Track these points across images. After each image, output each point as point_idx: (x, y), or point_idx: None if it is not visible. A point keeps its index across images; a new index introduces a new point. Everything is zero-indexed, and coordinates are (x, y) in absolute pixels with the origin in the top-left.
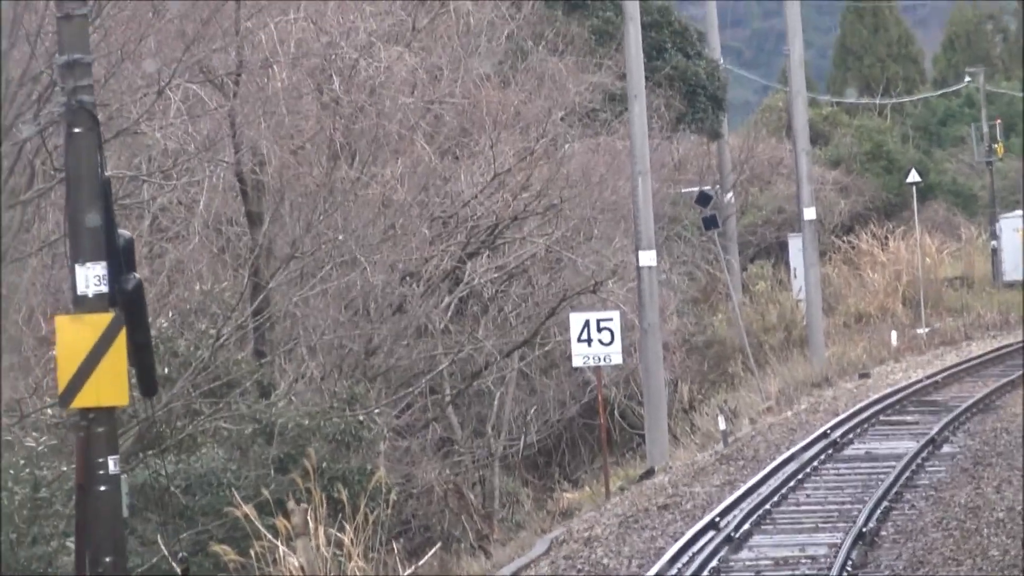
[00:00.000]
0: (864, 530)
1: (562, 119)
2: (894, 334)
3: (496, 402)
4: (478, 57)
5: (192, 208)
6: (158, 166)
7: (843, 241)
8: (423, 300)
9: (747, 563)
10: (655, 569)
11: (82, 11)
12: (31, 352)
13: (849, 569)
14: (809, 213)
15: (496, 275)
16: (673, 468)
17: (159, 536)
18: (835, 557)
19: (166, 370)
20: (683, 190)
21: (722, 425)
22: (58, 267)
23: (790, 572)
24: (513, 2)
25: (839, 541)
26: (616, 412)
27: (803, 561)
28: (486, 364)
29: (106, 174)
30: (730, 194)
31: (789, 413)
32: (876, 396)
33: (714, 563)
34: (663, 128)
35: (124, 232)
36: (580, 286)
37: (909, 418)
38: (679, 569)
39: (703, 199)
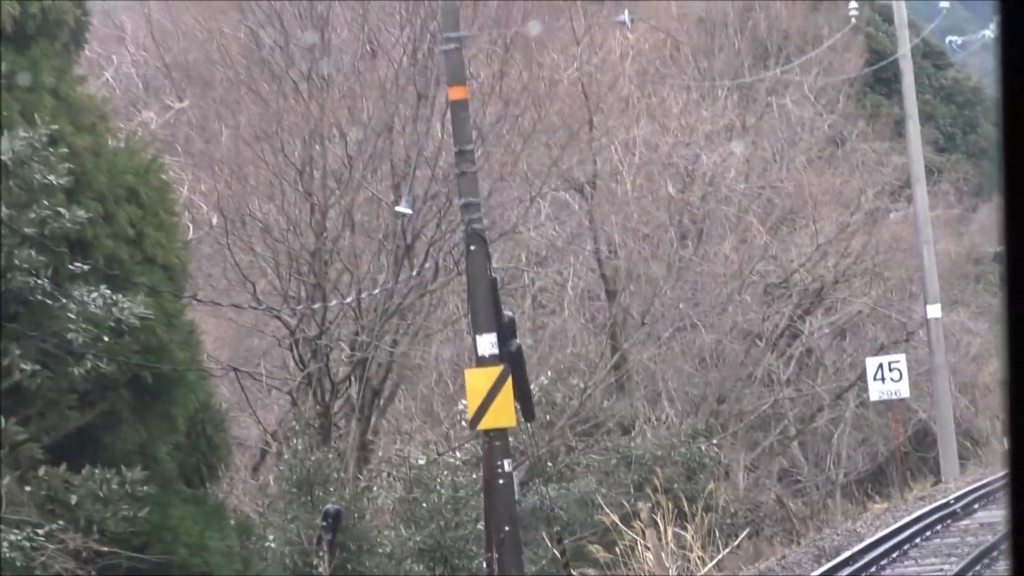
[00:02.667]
0: None
1: (875, 195)
2: None
3: (835, 437)
4: (800, 147)
5: (563, 288)
6: (534, 258)
7: None
8: (763, 354)
9: (961, 525)
10: (890, 529)
11: (472, 170)
12: (440, 408)
13: None
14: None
15: (828, 330)
16: (958, 479)
17: (548, 542)
18: None
19: (547, 416)
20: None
21: (1006, 444)
22: (458, 340)
23: (988, 529)
24: (828, 102)
25: None
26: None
27: (1001, 524)
28: (819, 408)
29: (492, 275)
30: None
31: None
32: None
33: (938, 527)
34: (964, 197)
35: (507, 312)
36: (896, 336)
37: None
38: (909, 528)
39: (997, 257)
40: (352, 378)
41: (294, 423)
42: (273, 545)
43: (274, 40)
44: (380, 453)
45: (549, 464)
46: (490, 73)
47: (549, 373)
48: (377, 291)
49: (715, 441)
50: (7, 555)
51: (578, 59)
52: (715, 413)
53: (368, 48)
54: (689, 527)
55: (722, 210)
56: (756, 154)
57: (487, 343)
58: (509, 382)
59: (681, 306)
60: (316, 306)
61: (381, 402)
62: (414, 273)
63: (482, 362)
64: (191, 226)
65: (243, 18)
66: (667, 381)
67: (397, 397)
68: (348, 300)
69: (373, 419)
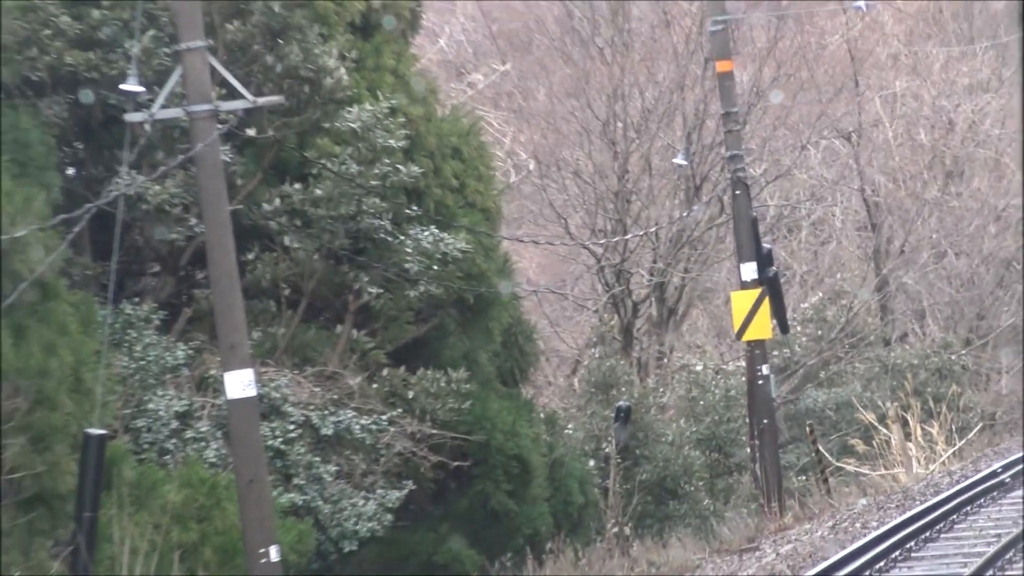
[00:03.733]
0: None
1: None
2: None
3: None
4: None
5: (833, 221)
6: (807, 195)
7: None
8: (1019, 276)
9: None
10: None
11: (737, 128)
12: (728, 325)
13: None
14: None
15: None
16: None
17: (808, 439)
18: None
19: (819, 331)
20: None
21: None
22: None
23: None
24: None
25: None
26: None
27: None
28: None
29: (754, 214)
30: None
31: None
32: None
33: None
34: None
35: (766, 244)
36: None
37: None
38: None
39: None
40: (651, 299)
41: (593, 336)
42: (573, 433)
43: (582, 11)
44: (666, 362)
45: (821, 372)
46: (766, 39)
47: (820, 294)
48: (670, 224)
49: (964, 352)
50: (359, 435)
51: (845, 25)
52: (974, 328)
53: (664, 16)
54: (936, 423)
55: (979, 152)
56: (1011, 103)
57: (749, 270)
58: (767, 302)
59: (934, 236)
60: (619, 238)
61: (676, 319)
62: (694, 209)
63: (745, 286)
64: (512, 171)
65: None
66: (928, 300)
67: (692, 315)
68: (647, 232)
69: (669, 334)
